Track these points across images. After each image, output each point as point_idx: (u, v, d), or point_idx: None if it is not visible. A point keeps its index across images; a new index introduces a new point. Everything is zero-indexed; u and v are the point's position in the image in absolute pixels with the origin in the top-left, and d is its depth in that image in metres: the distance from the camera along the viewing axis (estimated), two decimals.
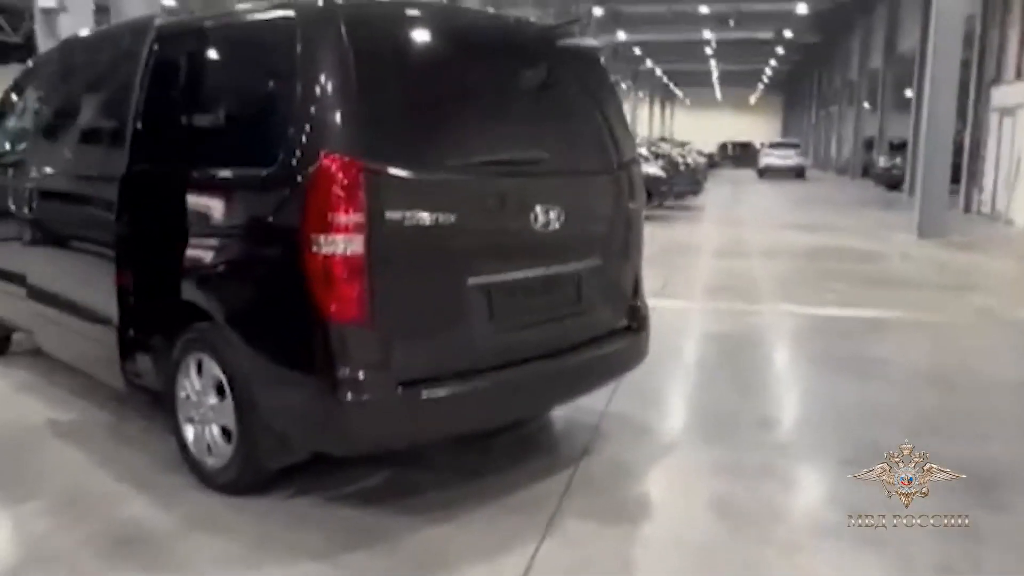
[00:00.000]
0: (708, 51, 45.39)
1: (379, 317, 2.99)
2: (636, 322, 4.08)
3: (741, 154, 47.78)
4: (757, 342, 6.61)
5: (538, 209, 3.40)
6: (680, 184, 18.08)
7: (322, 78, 2.99)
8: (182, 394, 3.57)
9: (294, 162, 3.00)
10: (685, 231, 14.83)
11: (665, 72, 56.67)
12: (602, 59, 4.03)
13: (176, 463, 3.66)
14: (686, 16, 34.67)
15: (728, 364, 6.01)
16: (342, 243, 2.91)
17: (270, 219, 3.12)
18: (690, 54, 46.80)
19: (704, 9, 32.84)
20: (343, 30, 2.99)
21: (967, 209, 19.19)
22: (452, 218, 3.11)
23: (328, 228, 2.90)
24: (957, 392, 5.18)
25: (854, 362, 5.86)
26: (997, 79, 18.65)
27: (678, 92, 70.05)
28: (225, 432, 3.40)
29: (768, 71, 55.46)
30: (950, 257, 11.88)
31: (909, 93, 27.64)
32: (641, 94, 60.01)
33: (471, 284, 3.23)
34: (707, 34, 38.61)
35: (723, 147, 51.14)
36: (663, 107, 69.32)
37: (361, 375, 2.97)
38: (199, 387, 3.49)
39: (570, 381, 3.71)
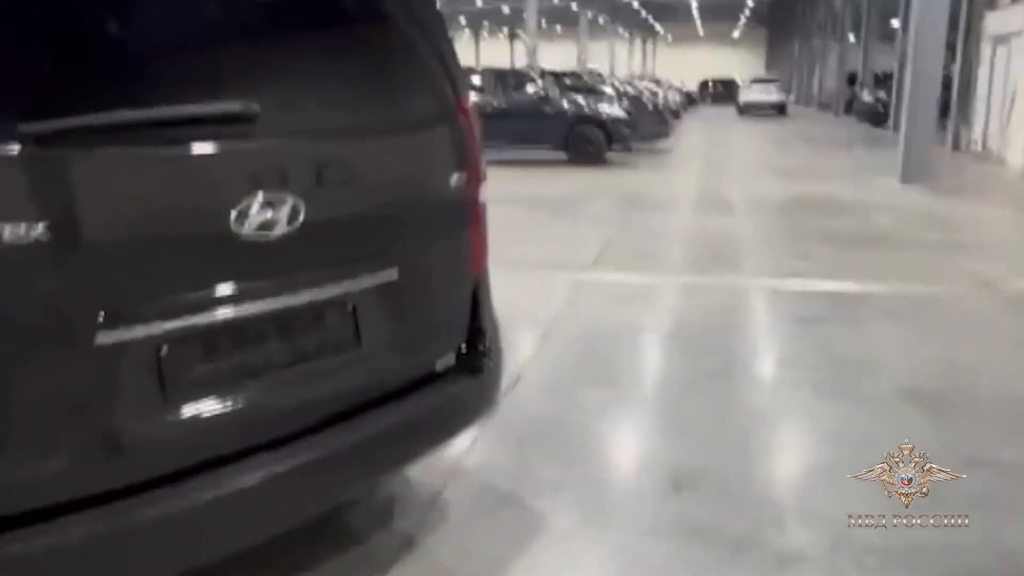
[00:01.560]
0: None
1: None
2: (476, 357, 2.68)
3: (724, 92, 46.13)
4: (700, 337, 5.07)
5: (255, 200, 1.97)
6: (646, 126, 16.53)
7: None
8: None
9: None
10: (646, 180, 13.33)
11: (643, 5, 54.16)
12: None
13: None
14: None
15: (652, 376, 4.63)
16: None
17: None
18: None
19: None
20: None
21: (956, 147, 17.81)
22: (40, 228, 1.68)
23: None
24: (952, 419, 3.79)
25: (824, 367, 4.50)
26: (992, 3, 17.08)
27: (659, 27, 67.52)
28: None
29: (750, 2, 53.13)
30: (939, 207, 10.51)
31: (896, 23, 26.08)
32: (621, 30, 57.55)
33: (105, 344, 1.81)
34: None
35: (704, 85, 49.43)
36: (644, 44, 66.86)
37: None
38: None
39: (346, 468, 2.31)
